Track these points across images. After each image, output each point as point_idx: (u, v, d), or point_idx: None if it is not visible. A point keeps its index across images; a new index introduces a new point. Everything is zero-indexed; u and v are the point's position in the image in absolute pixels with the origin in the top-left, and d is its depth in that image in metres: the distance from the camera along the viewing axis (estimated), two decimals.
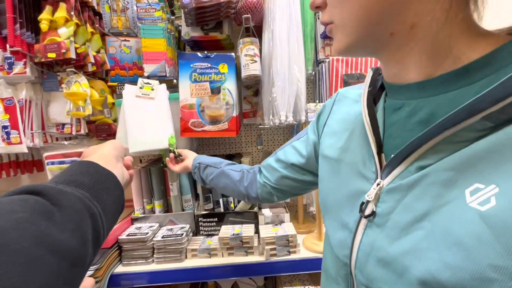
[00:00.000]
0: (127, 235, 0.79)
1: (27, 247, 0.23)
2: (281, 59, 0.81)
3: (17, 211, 0.25)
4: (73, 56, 0.76)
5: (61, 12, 0.77)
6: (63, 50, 0.75)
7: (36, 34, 0.82)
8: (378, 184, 0.27)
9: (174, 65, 0.93)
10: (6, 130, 0.81)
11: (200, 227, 0.88)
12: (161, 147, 0.76)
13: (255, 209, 0.89)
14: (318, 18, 0.97)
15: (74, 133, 0.86)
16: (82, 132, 0.87)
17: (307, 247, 0.83)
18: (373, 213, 0.27)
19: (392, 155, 0.26)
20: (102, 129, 0.90)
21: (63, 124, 0.88)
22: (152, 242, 0.79)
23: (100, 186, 0.34)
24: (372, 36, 0.27)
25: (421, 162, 0.24)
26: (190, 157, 0.72)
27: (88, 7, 0.86)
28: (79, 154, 0.85)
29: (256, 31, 0.87)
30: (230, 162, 0.67)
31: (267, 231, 0.82)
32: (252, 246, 0.80)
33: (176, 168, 0.74)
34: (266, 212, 0.90)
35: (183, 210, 0.90)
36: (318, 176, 0.42)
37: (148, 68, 0.85)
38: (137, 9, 0.87)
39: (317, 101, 0.94)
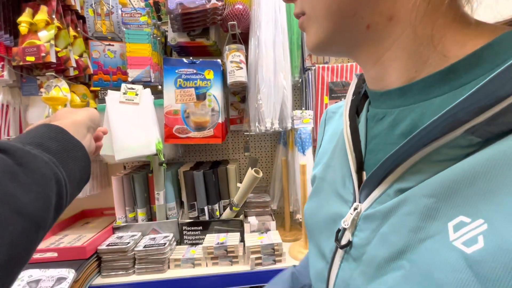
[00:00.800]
0: (107, 245, 0.77)
1: None
2: (266, 66, 0.81)
3: None
4: (53, 60, 0.74)
5: (42, 14, 0.75)
6: (43, 54, 0.73)
7: (15, 37, 0.79)
8: (355, 209, 0.24)
9: (159, 70, 0.92)
10: None
11: (184, 236, 0.86)
12: (148, 153, 0.74)
13: (241, 217, 0.88)
14: None
15: None
16: None
17: (293, 255, 0.82)
18: (349, 243, 0.24)
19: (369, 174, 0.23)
20: None
21: None
22: (133, 252, 0.76)
23: (68, 155, 0.34)
24: (346, 29, 0.23)
25: (401, 184, 0.20)
26: None
27: (71, 11, 0.84)
28: None
29: (243, 38, 0.87)
30: None
31: (252, 239, 0.80)
32: (237, 255, 0.78)
33: None
34: (252, 220, 0.88)
35: (167, 218, 0.87)
36: None
37: (133, 73, 0.84)
38: (122, 14, 0.86)
39: (303, 108, 0.95)
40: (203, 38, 0.92)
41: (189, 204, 0.87)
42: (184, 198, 0.88)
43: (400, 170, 0.20)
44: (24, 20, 0.74)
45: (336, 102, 0.90)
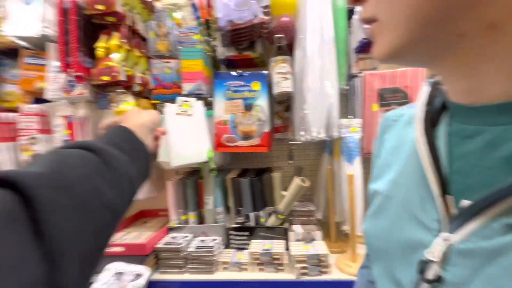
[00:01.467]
0: (164, 244, 0.84)
1: (87, 200, 0.27)
2: (312, 75, 0.82)
3: (78, 166, 0.29)
4: (123, 78, 0.85)
5: (114, 40, 0.87)
6: (115, 73, 0.84)
7: (92, 58, 0.93)
8: (445, 240, 0.21)
9: (210, 83, 0.99)
10: None
11: (231, 240, 0.90)
12: (200, 160, 0.80)
13: (286, 225, 0.89)
14: (351, 33, 0.97)
15: None
16: None
17: (340, 268, 0.79)
18: (438, 279, 0.21)
19: (466, 202, 0.20)
20: None
21: None
22: (185, 252, 0.82)
23: (136, 154, 0.39)
24: (432, 38, 0.20)
25: (511, 219, 0.18)
26: None
27: (136, 34, 0.96)
28: None
29: (288, 49, 0.89)
30: None
31: (297, 248, 0.80)
32: (282, 263, 0.79)
33: None
34: (297, 228, 0.88)
35: (215, 222, 0.92)
36: None
37: (186, 87, 0.92)
38: (178, 34, 0.95)
39: (351, 116, 0.92)
40: (249, 51, 0.96)
41: (236, 210, 0.91)
42: (231, 204, 0.93)
43: (509, 202, 0.18)
44: (100, 45, 0.87)
45: (387, 110, 0.86)
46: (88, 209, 0.27)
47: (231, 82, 0.87)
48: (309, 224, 0.92)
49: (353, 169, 0.82)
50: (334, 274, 0.77)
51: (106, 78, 0.84)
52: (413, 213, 0.25)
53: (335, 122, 0.86)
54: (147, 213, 1.16)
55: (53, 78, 0.92)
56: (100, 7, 0.81)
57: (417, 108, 0.28)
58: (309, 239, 0.86)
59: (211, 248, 0.81)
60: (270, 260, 0.79)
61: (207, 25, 1.05)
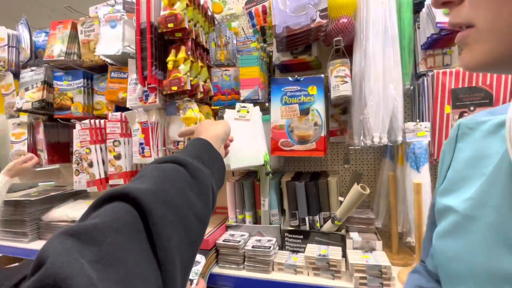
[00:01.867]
0: (223, 241, 0.90)
1: (184, 212, 0.30)
2: (375, 77, 0.78)
3: (174, 180, 0.32)
4: (189, 87, 0.94)
5: (182, 53, 0.96)
6: (182, 84, 0.93)
7: (163, 71, 1.05)
8: None
9: (265, 88, 1.02)
10: (142, 146, 1.06)
11: (286, 242, 0.92)
12: (257, 163, 0.84)
13: (343, 231, 0.86)
14: (418, 28, 0.89)
15: None
16: None
17: (403, 281, 0.74)
18: None
19: None
20: None
21: (178, 142, 1.08)
22: (243, 250, 0.87)
23: (214, 165, 0.42)
24: None
25: None
26: None
27: (199, 46, 1.04)
28: None
29: (346, 51, 0.86)
30: None
31: (356, 257, 0.78)
32: (339, 270, 0.77)
33: None
34: (355, 236, 0.85)
35: (270, 223, 0.95)
36: None
37: (244, 93, 0.96)
38: (236, 43, 1.00)
39: (418, 120, 0.85)
40: (305, 54, 0.96)
41: (291, 213, 0.92)
42: (286, 207, 0.94)
43: None
44: (170, 59, 0.97)
45: (463, 112, 0.77)
46: (185, 221, 0.29)
47: (288, 87, 0.89)
48: (367, 232, 0.88)
49: (421, 177, 0.76)
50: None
51: (175, 88, 0.94)
52: (507, 240, 0.23)
53: (399, 126, 0.80)
54: None
55: (132, 89, 1.07)
56: (171, 25, 0.91)
57: (507, 115, 0.24)
58: (368, 248, 0.82)
59: (268, 249, 0.84)
60: (326, 266, 0.79)
61: (263, 32, 1.08)
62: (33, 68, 1.28)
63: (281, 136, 0.89)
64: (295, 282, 0.79)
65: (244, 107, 0.93)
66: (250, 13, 1.08)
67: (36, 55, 1.32)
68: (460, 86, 0.77)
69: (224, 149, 0.52)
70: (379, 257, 0.77)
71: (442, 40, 0.82)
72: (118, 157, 1.11)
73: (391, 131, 0.81)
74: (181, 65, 0.97)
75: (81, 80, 1.23)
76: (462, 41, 0.23)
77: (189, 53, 0.97)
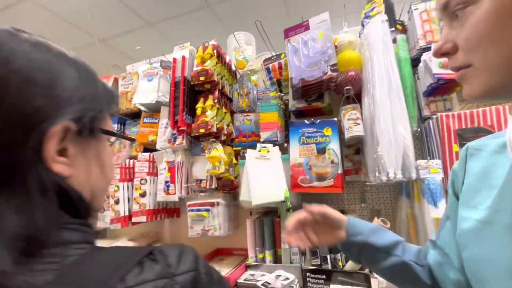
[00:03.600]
0: (244, 280, 0.89)
1: None
2: (384, 119, 0.87)
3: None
4: (215, 130, 1.05)
5: (209, 101, 1.10)
6: (209, 126, 1.05)
7: (192, 116, 1.18)
8: None
9: (282, 131, 1.12)
10: (167, 184, 1.13)
11: (308, 283, 0.90)
12: (278, 199, 0.89)
13: (366, 270, 0.85)
14: (418, 79, 1.01)
15: (207, 187, 1.11)
16: (213, 186, 1.11)
17: None
18: None
19: None
20: (226, 184, 1.13)
21: (201, 180, 1.15)
22: None
23: None
24: None
25: None
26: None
27: (224, 95, 1.19)
28: (211, 204, 1.08)
29: (356, 98, 0.97)
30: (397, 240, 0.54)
31: None
32: None
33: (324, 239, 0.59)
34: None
35: (291, 262, 0.95)
36: None
37: (264, 135, 1.06)
38: (257, 92, 1.15)
39: (429, 158, 0.91)
40: (318, 101, 1.08)
41: (312, 251, 0.92)
42: None
43: None
44: (199, 106, 1.11)
45: None
46: None
47: (305, 129, 0.98)
48: None
49: (439, 211, 0.78)
50: None
51: (202, 131, 1.05)
52: None
53: (411, 163, 0.86)
54: (222, 251, 1.24)
55: (162, 132, 1.19)
56: (202, 78, 1.07)
57: (506, 135, 0.30)
58: None
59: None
60: None
61: (279, 83, 1.23)
62: None
63: (300, 173, 0.95)
64: None
65: (265, 147, 1.01)
66: (267, 68, 1.25)
67: None
68: (463, 127, 0.85)
69: None
70: None
71: (440, 88, 0.92)
72: (143, 194, 1.17)
73: (404, 168, 0.86)
74: (208, 111, 1.10)
75: (116, 125, 1.37)
76: (461, 78, 0.29)
77: (215, 101, 1.11)
